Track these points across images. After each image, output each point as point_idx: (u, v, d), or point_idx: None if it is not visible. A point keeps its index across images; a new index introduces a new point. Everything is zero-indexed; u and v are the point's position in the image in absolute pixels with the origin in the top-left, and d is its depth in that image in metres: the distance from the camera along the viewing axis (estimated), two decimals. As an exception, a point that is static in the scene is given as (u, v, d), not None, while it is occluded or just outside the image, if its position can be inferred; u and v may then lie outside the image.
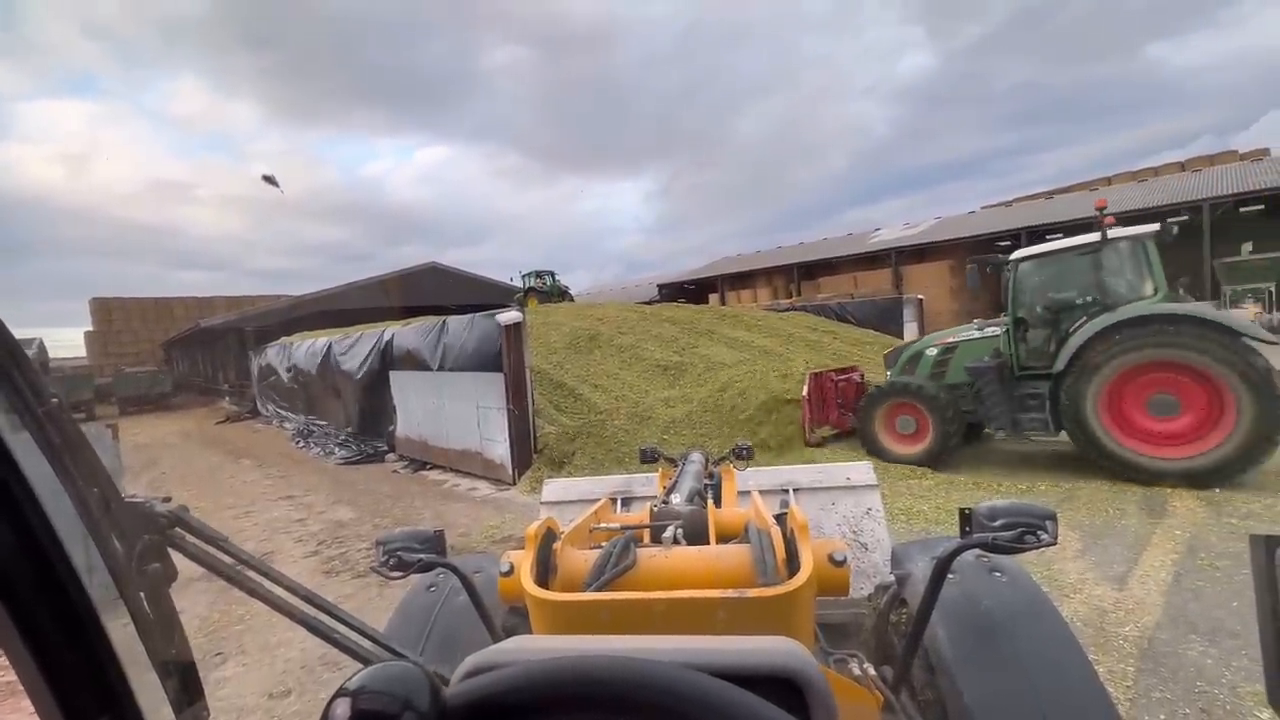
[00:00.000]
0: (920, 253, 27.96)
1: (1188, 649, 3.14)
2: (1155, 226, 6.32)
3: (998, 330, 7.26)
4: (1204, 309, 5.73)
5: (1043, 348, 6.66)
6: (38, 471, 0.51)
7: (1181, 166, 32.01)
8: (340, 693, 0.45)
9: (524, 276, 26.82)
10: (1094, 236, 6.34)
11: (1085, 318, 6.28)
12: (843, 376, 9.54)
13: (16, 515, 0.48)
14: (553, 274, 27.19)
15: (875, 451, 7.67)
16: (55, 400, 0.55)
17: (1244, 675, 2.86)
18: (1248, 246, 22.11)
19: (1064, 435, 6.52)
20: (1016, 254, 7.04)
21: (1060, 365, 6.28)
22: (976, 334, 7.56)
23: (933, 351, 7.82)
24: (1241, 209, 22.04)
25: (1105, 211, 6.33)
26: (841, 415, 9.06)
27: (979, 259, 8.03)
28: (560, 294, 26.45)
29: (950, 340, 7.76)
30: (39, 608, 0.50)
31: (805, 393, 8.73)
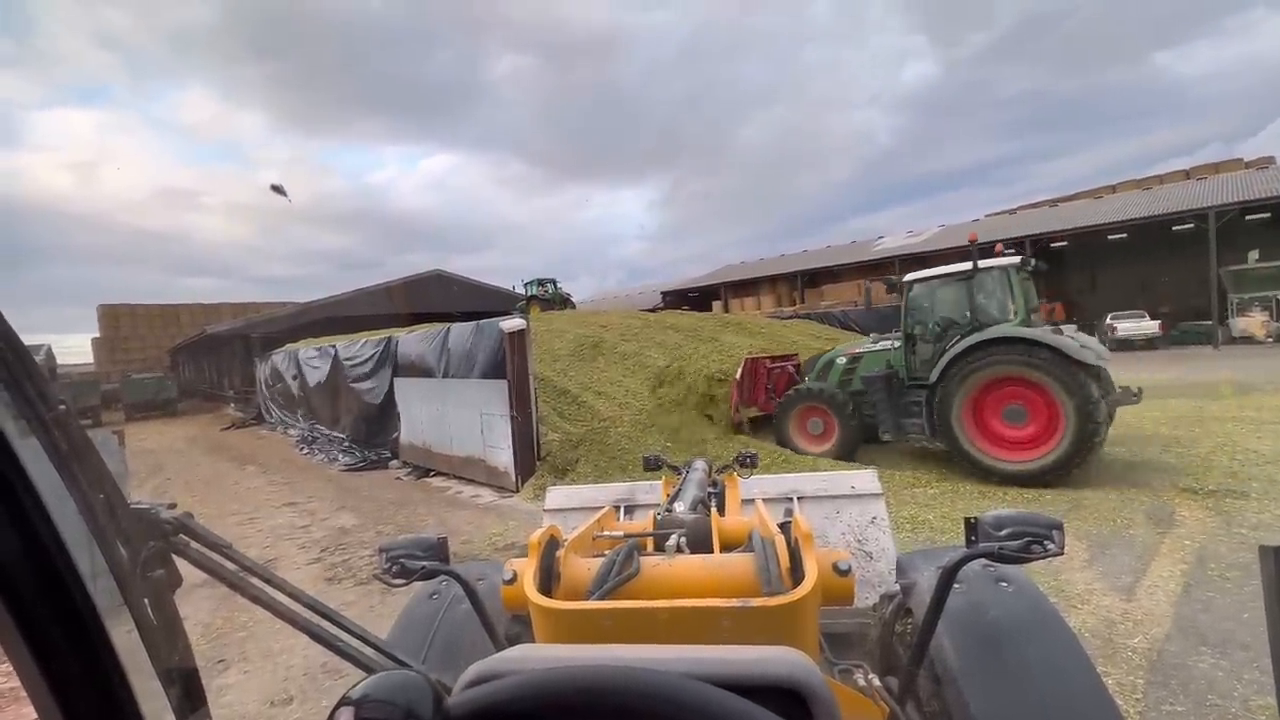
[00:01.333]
0: (924, 261, 27.96)
1: (1198, 661, 3.10)
2: (1017, 259, 7.25)
3: (891, 344, 8.22)
4: (1043, 333, 6.45)
5: (930, 360, 7.45)
6: (44, 477, 0.51)
7: (1187, 174, 31.98)
8: (344, 701, 0.45)
9: (526, 284, 26.89)
10: (968, 265, 7.31)
11: (959, 336, 7.12)
12: (777, 364, 10.16)
13: (23, 521, 0.48)
14: (554, 281, 27.23)
15: (788, 447, 8.57)
16: (63, 406, 0.56)
17: (1256, 688, 2.82)
18: (1254, 254, 22.03)
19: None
20: (908, 277, 7.98)
21: (934, 377, 7.13)
22: (874, 347, 8.53)
23: (842, 361, 8.78)
24: (1247, 217, 21.96)
25: (978, 244, 7.43)
26: (769, 400, 9.65)
27: (878, 279, 9.04)
28: (562, 301, 26.50)
29: (856, 351, 8.74)
30: (44, 613, 0.50)
31: (738, 376, 9.37)
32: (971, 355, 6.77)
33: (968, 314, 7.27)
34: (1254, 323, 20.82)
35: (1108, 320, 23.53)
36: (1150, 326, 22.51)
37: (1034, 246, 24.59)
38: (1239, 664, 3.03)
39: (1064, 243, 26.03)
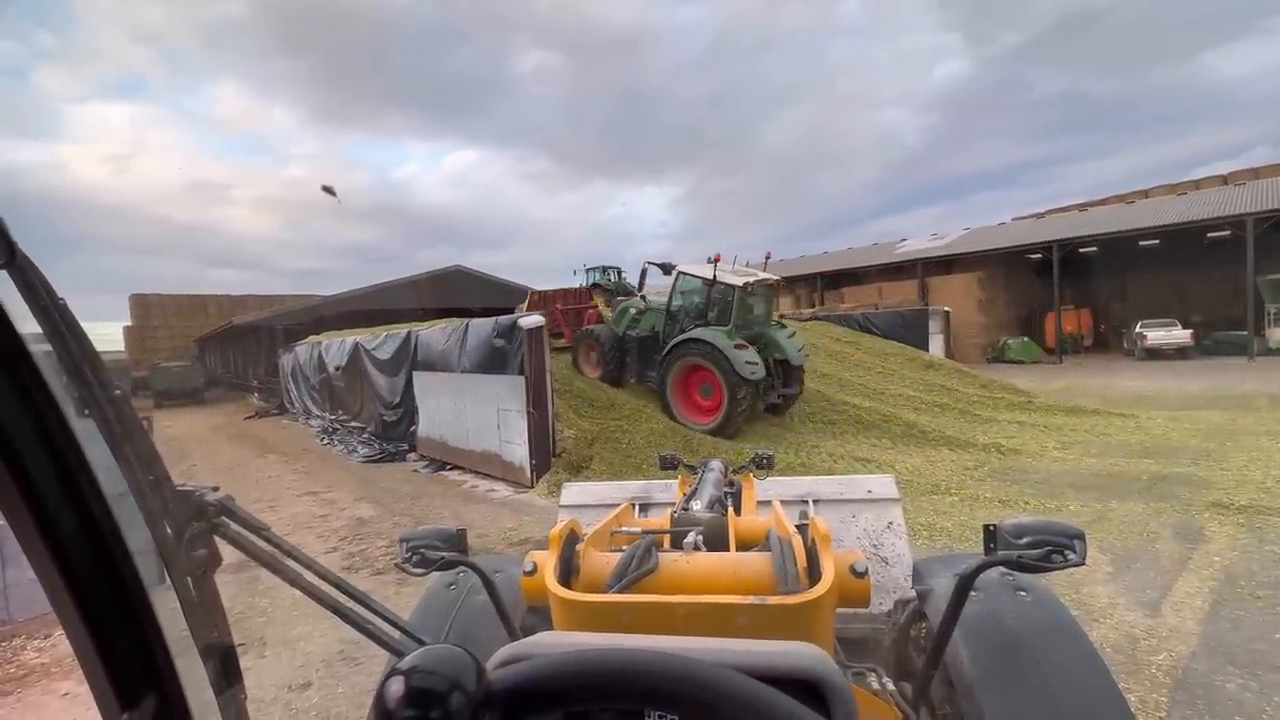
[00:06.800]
0: (947, 264, 27.48)
1: (1225, 681, 3.01)
2: (741, 282, 9.47)
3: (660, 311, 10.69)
4: (727, 344, 8.86)
5: (674, 334, 9.97)
6: (100, 458, 0.54)
7: (1224, 180, 30.96)
8: (394, 672, 0.47)
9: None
10: (710, 274, 9.66)
11: (695, 325, 9.73)
12: (571, 306, 13.57)
13: (80, 499, 0.51)
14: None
15: (580, 371, 11.36)
16: (119, 392, 0.59)
17: (1286, 711, 2.74)
18: (1294, 263, 21.22)
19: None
20: (680, 267, 10.55)
21: (667, 349, 9.78)
22: (649, 309, 10.96)
23: (632, 312, 11.29)
24: (1288, 224, 21.14)
25: (719, 262, 9.62)
26: (573, 332, 12.65)
27: (655, 263, 11.81)
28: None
29: (643, 308, 11.16)
30: (97, 587, 0.53)
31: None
32: (692, 343, 9.30)
33: (706, 310, 9.78)
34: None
35: (1137, 328, 22.88)
36: (1181, 335, 21.82)
37: (1061, 252, 24.00)
38: (1269, 685, 2.94)
39: (1093, 248, 25.35)
